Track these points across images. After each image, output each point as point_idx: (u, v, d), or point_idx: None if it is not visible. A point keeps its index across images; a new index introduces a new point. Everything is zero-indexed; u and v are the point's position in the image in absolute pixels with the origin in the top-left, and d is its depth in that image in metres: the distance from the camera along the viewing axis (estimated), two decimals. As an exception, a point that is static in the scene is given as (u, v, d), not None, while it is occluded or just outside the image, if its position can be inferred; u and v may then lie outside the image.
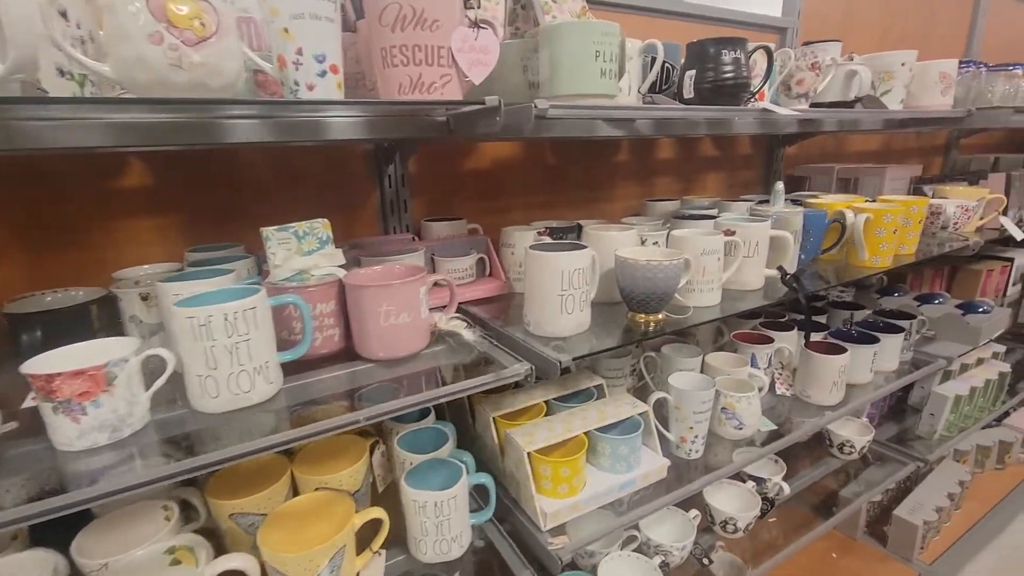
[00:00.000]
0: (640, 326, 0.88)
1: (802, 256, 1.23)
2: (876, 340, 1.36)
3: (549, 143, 1.37)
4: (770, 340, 1.36)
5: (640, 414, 1.02)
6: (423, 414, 1.08)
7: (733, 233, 0.98)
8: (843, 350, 1.27)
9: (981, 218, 1.60)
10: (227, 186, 1.00)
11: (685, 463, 1.07)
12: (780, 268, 1.03)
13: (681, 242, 0.94)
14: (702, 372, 1.24)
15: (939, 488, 1.80)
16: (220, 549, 0.79)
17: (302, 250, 0.75)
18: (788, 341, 1.36)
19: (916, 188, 1.81)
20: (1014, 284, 2.09)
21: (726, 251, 0.99)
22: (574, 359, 0.74)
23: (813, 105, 1.15)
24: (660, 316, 0.89)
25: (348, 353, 0.76)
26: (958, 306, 1.72)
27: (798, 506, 1.61)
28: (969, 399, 1.75)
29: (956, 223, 1.47)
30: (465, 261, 1.02)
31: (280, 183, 1.05)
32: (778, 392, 1.34)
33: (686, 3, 1.49)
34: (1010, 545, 1.89)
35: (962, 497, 1.89)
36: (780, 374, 1.36)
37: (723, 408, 1.12)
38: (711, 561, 1.25)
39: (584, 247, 0.82)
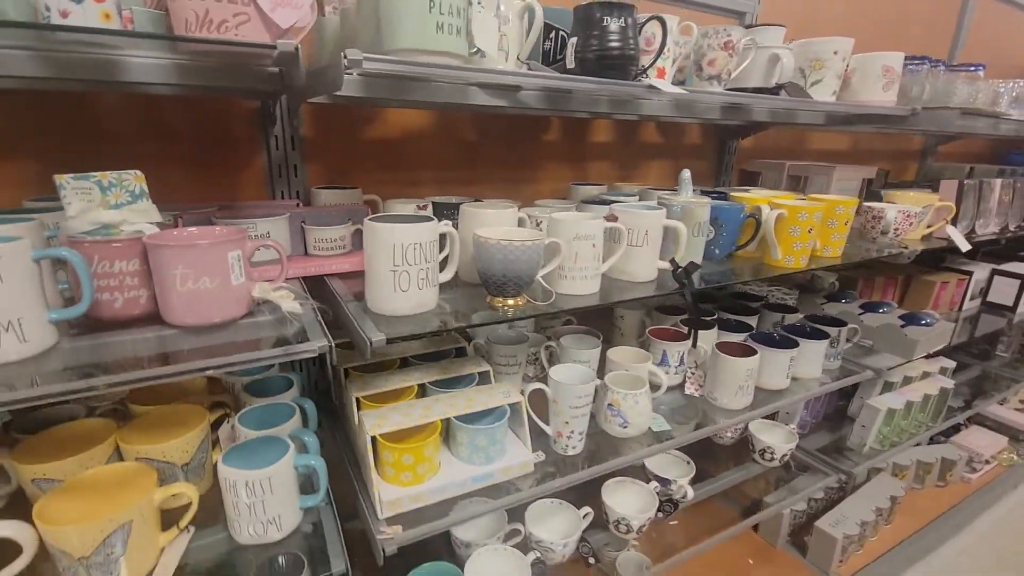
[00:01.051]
0: (498, 311, 0.82)
1: (716, 251, 1.17)
2: (796, 345, 1.30)
3: (469, 116, 1.30)
4: (686, 337, 1.30)
5: (511, 404, 0.97)
6: (287, 387, 1.04)
7: (615, 219, 0.92)
8: (752, 352, 1.21)
9: (929, 226, 1.52)
10: (82, 136, 0.94)
11: (562, 459, 1.02)
12: (672, 261, 0.97)
13: (554, 225, 0.88)
14: (601, 366, 1.19)
15: (868, 502, 1.75)
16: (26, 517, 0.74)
17: (108, 203, 0.69)
18: (705, 340, 1.30)
19: (871, 191, 1.74)
20: (972, 298, 2.02)
21: (609, 238, 0.92)
22: (388, 340, 0.68)
23: (732, 90, 1.08)
24: (520, 301, 0.83)
25: (158, 317, 0.71)
26: (901, 316, 1.65)
27: (719, 508, 1.56)
28: (905, 413, 1.69)
29: (897, 229, 1.40)
30: (337, 231, 0.96)
31: (145, 136, 0.98)
32: (687, 392, 1.28)
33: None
34: (940, 565, 1.85)
35: (894, 512, 1.84)
36: (693, 374, 1.30)
37: (609, 404, 1.06)
38: (597, 560, 1.21)
39: (428, 220, 0.76)
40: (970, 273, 1.96)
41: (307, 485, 0.87)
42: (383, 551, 0.77)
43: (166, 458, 0.81)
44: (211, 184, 1.06)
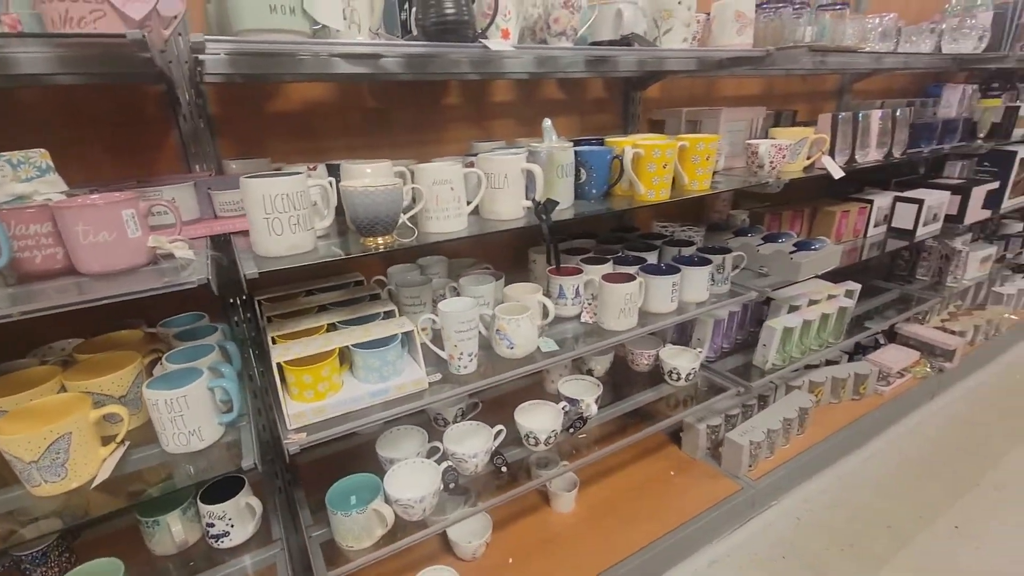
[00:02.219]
0: (369, 248, 0.98)
1: (593, 191, 1.32)
2: (678, 271, 1.46)
3: (366, 86, 1.42)
4: (580, 272, 1.46)
5: (405, 333, 1.14)
6: (212, 332, 1.20)
7: (471, 166, 1.07)
8: (633, 279, 1.37)
9: (808, 158, 1.67)
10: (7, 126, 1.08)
11: (458, 377, 1.19)
12: (532, 199, 1.12)
13: (419, 174, 1.03)
14: (501, 301, 1.36)
15: (778, 413, 1.94)
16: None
17: (19, 177, 0.84)
18: (598, 274, 1.46)
19: (764, 130, 1.87)
20: (876, 225, 2.18)
21: (470, 182, 1.07)
22: (260, 272, 0.84)
23: (593, 44, 1.21)
24: (388, 239, 0.99)
25: (74, 269, 0.86)
26: (796, 244, 1.81)
27: (641, 427, 1.75)
28: (804, 331, 1.87)
29: (772, 162, 1.54)
30: (237, 194, 1.10)
31: (68, 124, 1.12)
32: (582, 320, 1.45)
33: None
34: (847, 470, 2.06)
35: (806, 423, 2.04)
36: (589, 304, 1.47)
37: (497, 330, 1.23)
38: (508, 469, 1.39)
39: (296, 175, 0.91)
40: (871, 201, 2.11)
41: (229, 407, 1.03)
42: (288, 452, 0.94)
43: (103, 391, 0.97)
44: (132, 163, 1.20)
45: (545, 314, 1.31)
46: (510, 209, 1.13)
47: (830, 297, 2.04)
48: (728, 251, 1.60)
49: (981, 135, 2.36)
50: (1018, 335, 2.90)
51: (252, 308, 1.31)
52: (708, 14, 1.42)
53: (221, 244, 1.04)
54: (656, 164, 1.24)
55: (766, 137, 1.72)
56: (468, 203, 1.08)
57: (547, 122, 1.18)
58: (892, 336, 2.58)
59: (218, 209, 1.11)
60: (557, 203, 1.12)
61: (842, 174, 1.62)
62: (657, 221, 2.05)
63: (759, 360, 1.86)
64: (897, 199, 2.15)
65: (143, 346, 1.16)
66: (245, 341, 1.32)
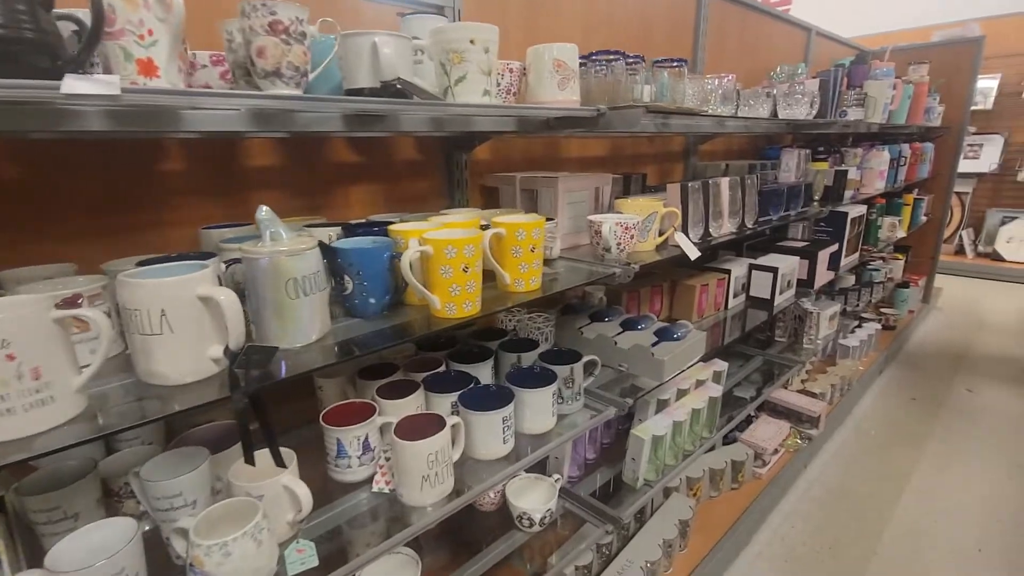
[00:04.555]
0: None
1: (370, 304, 0.87)
2: (509, 400, 1.06)
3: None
4: (372, 413, 1.00)
5: None
6: None
7: (77, 303, 0.57)
8: (439, 427, 0.94)
9: (661, 233, 1.40)
10: None
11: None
12: (226, 348, 0.64)
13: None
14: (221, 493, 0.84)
15: (656, 536, 1.60)
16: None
17: None
18: (399, 413, 1.01)
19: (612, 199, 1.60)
20: (735, 296, 2.02)
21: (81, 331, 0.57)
22: None
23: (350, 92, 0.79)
24: None
25: None
26: (657, 332, 1.52)
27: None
28: (676, 434, 1.58)
29: (620, 243, 1.24)
30: None
31: None
32: (375, 488, 0.98)
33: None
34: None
35: (688, 535, 1.73)
36: (385, 463, 1.00)
37: (191, 565, 0.71)
38: None
39: None
40: (728, 271, 1.94)
41: None
42: None
43: None
44: None
45: (296, 505, 0.82)
46: (185, 366, 0.64)
47: (699, 384, 1.79)
48: (578, 357, 1.25)
49: (816, 198, 2.37)
50: (863, 386, 2.97)
51: None
52: (523, 62, 1.10)
53: None
54: (453, 267, 0.83)
55: (612, 209, 1.44)
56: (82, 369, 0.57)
57: (263, 211, 0.73)
58: (760, 405, 2.44)
59: None
60: (273, 350, 0.66)
61: (698, 254, 1.37)
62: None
63: (629, 477, 1.52)
64: (752, 267, 2.02)
65: None
66: None
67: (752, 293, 2.05)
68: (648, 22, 2.03)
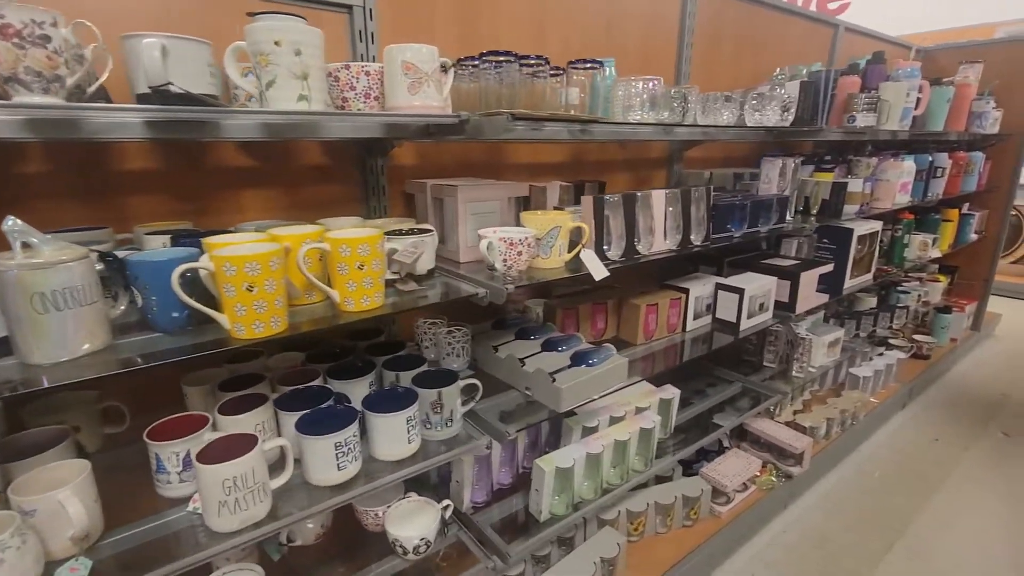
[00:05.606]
0: None
1: (171, 317, 0.84)
2: (350, 422, 1.00)
3: None
4: (200, 426, 0.97)
5: None
6: None
7: None
8: (249, 446, 0.89)
9: (572, 250, 1.29)
10: None
11: None
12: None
13: None
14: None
15: (570, 574, 1.49)
16: None
17: None
18: (242, 426, 0.98)
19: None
20: (697, 317, 1.85)
21: None
22: None
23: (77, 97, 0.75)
24: None
25: None
26: (575, 354, 1.41)
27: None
28: (592, 467, 1.45)
29: (505, 259, 1.14)
30: None
31: None
32: (190, 508, 0.94)
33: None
34: (670, 627, 1.62)
35: (617, 573, 1.59)
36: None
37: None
38: None
39: None
40: (686, 291, 1.78)
41: None
42: None
43: None
44: None
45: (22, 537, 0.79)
46: None
47: (639, 411, 1.66)
48: (453, 379, 1.17)
49: (814, 212, 2.14)
50: (877, 420, 2.67)
51: None
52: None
53: None
54: (256, 283, 0.78)
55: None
56: None
57: (9, 222, 0.70)
58: (742, 434, 2.24)
59: None
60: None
61: (605, 274, 1.25)
62: (426, 317, 1.60)
63: (534, 509, 1.41)
64: (718, 287, 1.84)
65: None
66: None
67: (719, 315, 1.87)
68: (617, 21, 1.90)
